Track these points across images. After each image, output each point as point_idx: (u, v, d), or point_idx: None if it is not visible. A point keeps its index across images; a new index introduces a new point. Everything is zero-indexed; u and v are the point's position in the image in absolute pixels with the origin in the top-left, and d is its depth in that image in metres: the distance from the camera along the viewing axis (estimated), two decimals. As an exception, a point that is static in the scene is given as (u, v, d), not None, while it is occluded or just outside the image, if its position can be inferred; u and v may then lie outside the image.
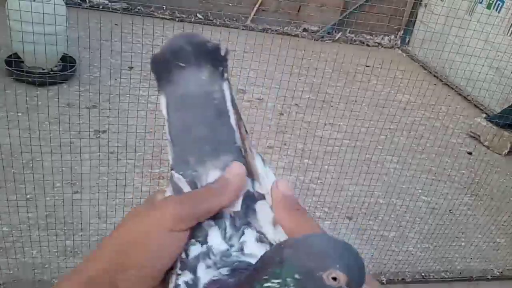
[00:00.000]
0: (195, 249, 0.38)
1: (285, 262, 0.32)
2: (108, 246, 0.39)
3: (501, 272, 2.52)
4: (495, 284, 2.49)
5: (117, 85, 2.59)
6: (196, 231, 0.39)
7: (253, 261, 0.36)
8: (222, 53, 0.46)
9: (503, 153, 3.73)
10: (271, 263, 0.33)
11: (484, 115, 4.13)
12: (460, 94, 4.55)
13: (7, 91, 2.66)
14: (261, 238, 0.39)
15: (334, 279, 0.31)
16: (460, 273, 2.46)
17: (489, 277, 2.49)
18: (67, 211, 2.08)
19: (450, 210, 2.81)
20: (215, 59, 0.45)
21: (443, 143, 2.93)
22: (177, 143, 0.44)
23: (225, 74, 0.46)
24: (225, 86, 0.46)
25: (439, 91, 4.16)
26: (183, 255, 0.38)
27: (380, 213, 2.67)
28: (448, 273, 2.44)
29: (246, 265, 0.37)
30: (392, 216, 2.67)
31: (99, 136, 2.67)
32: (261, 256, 0.35)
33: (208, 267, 0.37)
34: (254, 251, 0.38)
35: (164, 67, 0.45)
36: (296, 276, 0.31)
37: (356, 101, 3.17)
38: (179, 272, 0.37)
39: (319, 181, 2.71)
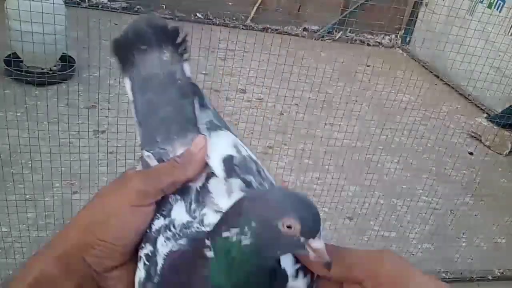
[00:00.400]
0: (158, 223, 0.39)
1: (243, 213, 0.34)
2: (76, 225, 0.40)
3: (502, 273, 2.52)
4: (496, 284, 2.48)
5: (116, 84, 2.58)
6: (161, 205, 0.40)
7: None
8: (181, 35, 0.47)
9: (504, 153, 3.72)
10: (231, 216, 0.34)
11: (485, 115, 4.12)
12: (461, 94, 4.54)
13: (6, 91, 2.65)
14: (219, 209, 0.40)
15: (289, 227, 0.33)
16: (461, 273, 2.45)
17: (490, 277, 2.48)
18: (66, 211, 2.07)
19: (451, 210, 2.81)
20: (175, 41, 0.46)
21: (444, 143, 2.91)
22: (145, 123, 0.45)
23: (185, 55, 0.48)
24: (186, 66, 0.47)
25: (439, 91, 4.15)
26: (147, 231, 0.39)
27: (380, 213, 2.66)
28: (448, 274, 2.43)
29: (204, 234, 0.38)
30: (393, 216, 2.66)
31: (98, 136, 2.66)
32: (223, 213, 0.36)
33: (168, 239, 0.38)
34: (213, 221, 0.39)
35: (126, 51, 0.46)
36: (253, 224, 0.33)
37: (356, 101, 3.16)
38: (142, 245, 0.39)
39: (319, 181, 2.70)
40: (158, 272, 0.36)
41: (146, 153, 0.43)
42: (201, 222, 0.39)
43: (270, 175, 0.43)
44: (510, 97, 3.88)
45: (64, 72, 3.17)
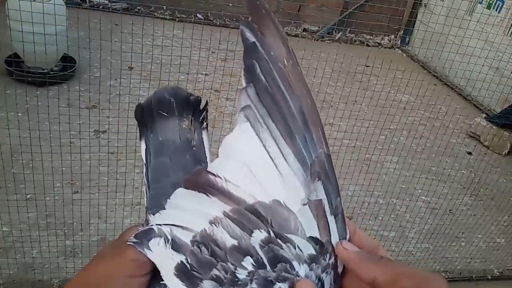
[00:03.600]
0: None
1: None
2: (75, 286, 0.39)
3: (501, 272, 2.53)
4: (495, 284, 2.49)
5: (117, 85, 2.59)
6: (155, 283, 0.38)
7: None
8: (202, 105, 0.48)
9: (503, 153, 3.73)
10: None
11: (484, 115, 4.13)
12: (460, 94, 4.55)
13: (7, 91, 2.66)
14: None
15: None
16: (460, 273, 2.46)
17: (489, 277, 2.49)
18: (67, 211, 2.08)
19: (450, 210, 2.82)
20: (196, 110, 0.48)
21: (443, 143, 2.93)
22: (154, 186, 0.45)
23: (205, 123, 0.49)
24: (204, 135, 0.48)
25: (439, 91, 4.16)
26: None
27: (380, 213, 2.67)
28: (448, 273, 2.44)
29: None
30: (392, 216, 2.68)
31: (99, 136, 2.67)
32: None
33: None
34: None
35: (147, 116, 0.48)
36: None
37: (356, 101, 3.17)
38: None
39: (319, 181, 2.71)
40: None
41: (150, 217, 0.42)
42: None
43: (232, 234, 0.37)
44: (509, 97, 3.89)
45: (65, 73, 3.18)
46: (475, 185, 3.08)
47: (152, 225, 0.39)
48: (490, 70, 3.53)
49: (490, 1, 4.49)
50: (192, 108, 0.47)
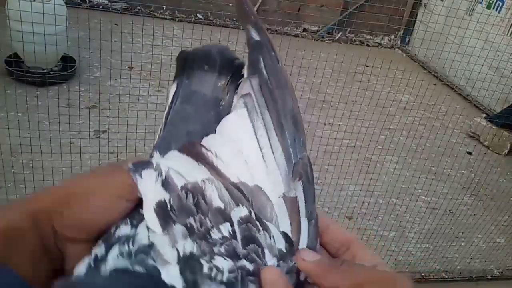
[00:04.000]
0: (124, 229, 0.37)
1: None
2: (56, 190, 0.38)
3: (501, 272, 2.53)
4: (495, 284, 2.49)
5: (117, 85, 2.59)
6: (135, 212, 0.38)
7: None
8: (244, 72, 0.48)
9: (503, 153, 3.73)
10: None
11: (484, 115, 4.13)
12: (460, 94, 4.55)
13: (7, 91, 2.66)
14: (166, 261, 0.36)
15: None
16: (460, 273, 2.46)
17: (489, 277, 2.49)
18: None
19: (450, 210, 2.82)
20: (236, 74, 0.48)
21: (443, 143, 2.93)
22: (169, 128, 0.45)
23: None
24: (235, 98, 0.48)
25: (439, 91, 4.16)
26: (113, 228, 0.37)
27: (380, 213, 2.67)
28: (448, 273, 2.44)
29: (146, 273, 0.34)
30: (392, 216, 2.68)
31: (99, 136, 2.67)
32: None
33: (122, 254, 0.35)
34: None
35: (189, 63, 0.48)
36: None
37: (356, 101, 3.17)
38: (100, 242, 0.36)
39: (319, 181, 2.71)
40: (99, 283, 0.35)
41: (155, 153, 0.43)
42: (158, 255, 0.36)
43: (217, 193, 0.37)
44: (509, 97, 3.89)
45: (65, 73, 3.18)
46: (475, 185, 3.08)
47: (152, 159, 0.40)
48: (490, 70, 3.53)
49: (490, 1, 4.49)
50: (233, 71, 0.48)
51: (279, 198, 0.38)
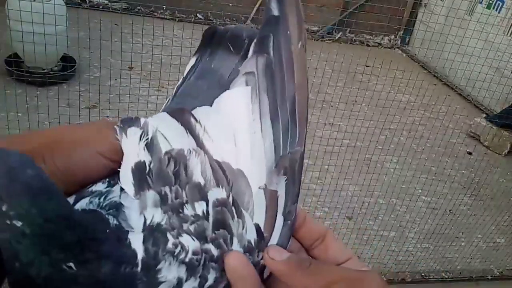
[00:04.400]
0: (99, 186, 0.36)
1: None
2: (46, 134, 0.37)
3: (501, 272, 2.53)
4: (495, 284, 2.49)
5: (117, 85, 2.59)
6: (115, 173, 0.36)
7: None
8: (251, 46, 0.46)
9: (503, 153, 3.73)
10: None
11: (484, 115, 4.13)
12: (460, 94, 4.55)
13: (7, 91, 2.65)
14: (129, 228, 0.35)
15: None
16: (460, 273, 2.46)
17: (489, 277, 2.49)
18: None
19: (450, 210, 2.82)
20: None
21: (443, 143, 2.93)
22: (177, 100, 0.44)
23: None
24: None
25: (439, 91, 4.16)
26: (90, 185, 0.36)
27: (380, 213, 2.67)
28: (448, 273, 2.44)
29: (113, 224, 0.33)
30: (392, 216, 2.67)
31: (99, 136, 2.67)
32: None
33: (90, 203, 0.34)
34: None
35: (215, 40, 0.46)
36: None
37: (356, 101, 3.17)
38: (75, 194, 0.35)
39: (319, 181, 2.71)
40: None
41: None
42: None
43: (199, 168, 0.35)
44: (509, 97, 3.89)
45: (65, 73, 3.18)
46: (475, 185, 3.08)
47: (141, 117, 0.38)
48: (490, 70, 3.53)
49: (490, 1, 4.49)
50: None
51: (259, 188, 0.36)
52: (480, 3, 4.56)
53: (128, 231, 0.32)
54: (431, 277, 2.40)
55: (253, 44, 0.41)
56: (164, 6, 4.88)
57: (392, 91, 2.90)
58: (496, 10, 4.38)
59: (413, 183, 2.80)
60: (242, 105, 0.38)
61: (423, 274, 2.39)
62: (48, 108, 2.09)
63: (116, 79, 2.74)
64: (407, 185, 2.79)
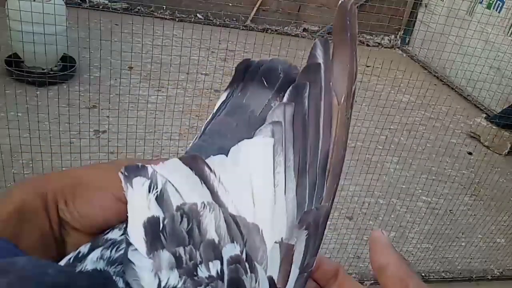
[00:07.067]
0: (115, 233, 0.34)
1: None
2: (66, 175, 0.36)
3: (501, 272, 2.53)
4: (496, 284, 2.49)
5: (117, 85, 2.58)
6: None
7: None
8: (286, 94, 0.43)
9: (503, 153, 3.73)
10: None
11: (484, 115, 4.13)
12: (460, 94, 4.55)
13: (7, 91, 2.65)
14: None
15: None
16: (460, 273, 2.46)
17: (489, 277, 2.49)
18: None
19: (450, 210, 2.81)
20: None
21: (443, 143, 2.92)
22: (204, 138, 0.42)
23: None
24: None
25: (439, 91, 4.15)
26: (108, 230, 0.35)
27: (380, 213, 2.67)
28: (448, 273, 2.44)
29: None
30: (392, 216, 2.67)
31: (99, 136, 2.67)
32: None
33: (101, 257, 0.33)
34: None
35: (249, 74, 0.44)
36: None
37: (356, 101, 3.17)
38: (90, 241, 0.34)
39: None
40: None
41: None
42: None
43: (214, 226, 0.33)
44: (509, 98, 3.89)
45: (65, 73, 3.18)
46: (475, 185, 3.08)
47: (149, 166, 0.35)
48: (490, 70, 3.52)
49: (490, 1, 4.48)
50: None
51: (275, 242, 0.34)
52: (481, 3, 4.56)
53: None
54: (431, 277, 2.40)
55: (288, 91, 0.39)
56: (164, 6, 4.88)
57: (392, 91, 2.90)
58: (497, 10, 4.38)
59: (413, 183, 2.80)
60: (264, 156, 0.36)
61: (423, 274, 2.39)
62: (48, 108, 2.09)
63: (116, 79, 2.74)
64: (407, 185, 2.79)
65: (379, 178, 2.62)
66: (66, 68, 3.18)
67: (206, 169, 0.35)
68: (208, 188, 0.34)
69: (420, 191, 2.82)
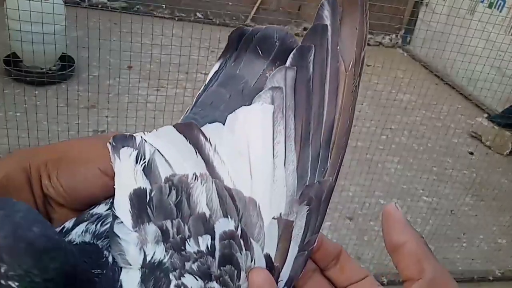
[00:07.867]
0: (100, 208, 0.33)
1: None
2: (51, 149, 0.35)
3: (503, 273, 2.51)
4: (497, 285, 2.48)
5: (116, 84, 2.57)
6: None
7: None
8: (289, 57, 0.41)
9: (505, 153, 3.71)
10: None
11: (486, 115, 4.12)
12: (461, 94, 4.53)
13: (6, 91, 2.64)
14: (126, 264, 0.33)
15: None
16: (462, 274, 2.45)
17: (490, 278, 2.47)
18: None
19: (451, 211, 2.80)
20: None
21: (445, 143, 2.91)
22: (196, 110, 0.40)
23: None
24: None
25: (440, 91, 4.14)
26: (94, 206, 0.34)
27: (381, 213, 2.66)
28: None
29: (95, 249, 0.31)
30: (393, 216, 2.66)
31: (98, 136, 2.66)
32: None
33: (86, 230, 0.32)
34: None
35: (243, 43, 0.41)
36: None
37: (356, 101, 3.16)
38: (77, 216, 0.33)
39: (319, 181, 2.69)
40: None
41: None
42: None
43: (203, 199, 0.31)
44: (510, 97, 3.88)
45: (64, 72, 3.17)
46: (476, 185, 3.07)
47: (137, 135, 0.34)
48: (491, 70, 3.51)
49: (492, 0, 4.47)
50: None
51: (273, 218, 0.32)
52: (482, 2, 4.55)
53: (121, 268, 0.30)
54: (433, 278, 2.38)
55: (291, 54, 0.36)
56: (163, 5, 4.87)
57: (393, 91, 2.88)
58: (498, 9, 4.37)
59: (414, 184, 2.79)
60: (263, 125, 0.34)
61: (424, 275, 2.38)
62: (46, 108, 2.07)
63: (115, 79, 2.72)
64: (408, 186, 2.78)
65: (380, 178, 2.61)
66: (65, 68, 3.17)
67: (202, 137, 0.33)
68: (203, 159, 0.32)
69: (421, 191, 2.81)
